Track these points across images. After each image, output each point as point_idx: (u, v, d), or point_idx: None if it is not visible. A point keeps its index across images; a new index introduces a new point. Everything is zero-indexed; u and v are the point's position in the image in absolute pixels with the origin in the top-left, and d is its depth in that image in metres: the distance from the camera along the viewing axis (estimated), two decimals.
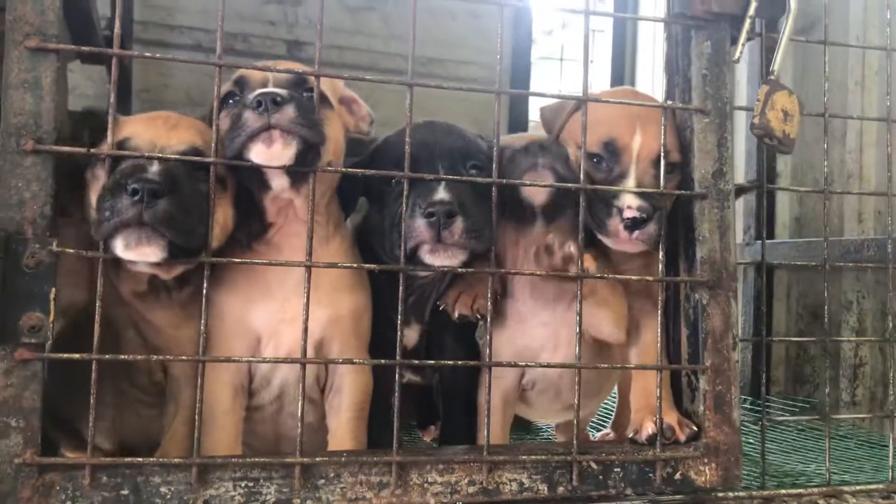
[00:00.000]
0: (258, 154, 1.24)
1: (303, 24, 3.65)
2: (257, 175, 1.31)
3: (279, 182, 1.31)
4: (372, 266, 1.35)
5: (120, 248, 1.21)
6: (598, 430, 2.31)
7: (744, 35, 1.41)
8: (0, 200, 1.15)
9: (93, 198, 1.28)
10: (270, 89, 1.26)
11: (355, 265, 1.43)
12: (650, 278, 1.41)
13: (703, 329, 1.39)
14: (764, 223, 2.73)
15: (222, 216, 1.34)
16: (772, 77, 1.43)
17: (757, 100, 1.42)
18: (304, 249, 1.27)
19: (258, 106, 1.23)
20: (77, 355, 1.17)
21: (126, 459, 1.19)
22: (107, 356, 1.18)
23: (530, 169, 1.41)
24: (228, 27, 3.48)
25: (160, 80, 3.38)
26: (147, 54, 1.27)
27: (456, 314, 1.47)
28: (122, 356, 1.28)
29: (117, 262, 1.28)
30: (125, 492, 1.18)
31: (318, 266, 1.28)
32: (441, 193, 1.34)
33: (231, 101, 1.35)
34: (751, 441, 2.02)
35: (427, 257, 1.32)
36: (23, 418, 1.15)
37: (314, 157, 1.28)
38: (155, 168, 1.24)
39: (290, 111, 1.24)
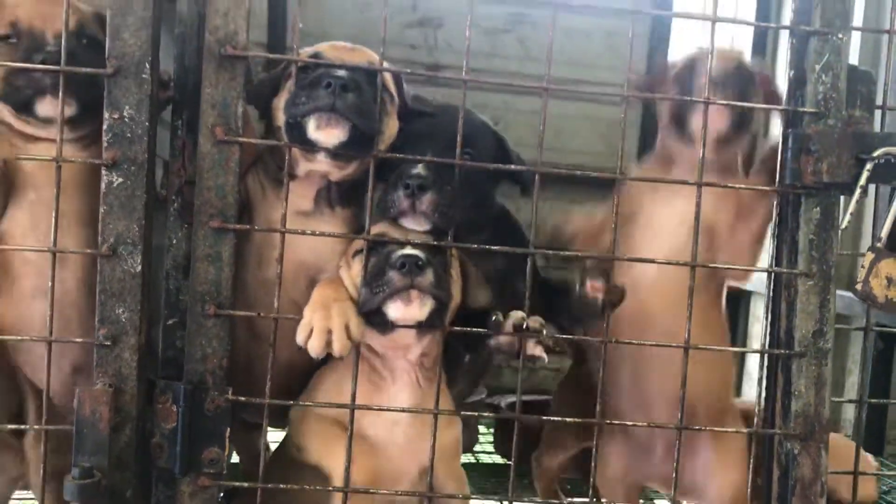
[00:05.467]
0: (396, 310, 1.43)
1: (442, 47, 3.81)
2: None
3: (406, 334, 1.50)
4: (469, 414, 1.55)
5: None
6: None
7: (853, 204, 1.48)
8: (188, 356, 1.41)
9: None
10: (413, 252, 1.44)
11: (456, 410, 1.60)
12: (745, 430, 1.53)
13: (793, 476, 1.51)
14: None
15: None
16: (878, 245, 1.49)
17: (861, 266, 1.50)
18: (412, 383, 1.55)
19: (402, 267, 1.42)
20: (247, 484, 1.43)
21: None
22: (269, 485, 1.45)
23: None
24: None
25: None
26: None
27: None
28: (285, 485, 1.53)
29: None
30: None
31: (443, 413, 1.48)
32: (419, 170, 1.56)
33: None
34: None
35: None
36: None
37: (443, 315, 1.48)
38: None
39: (430, 275, 1.43)
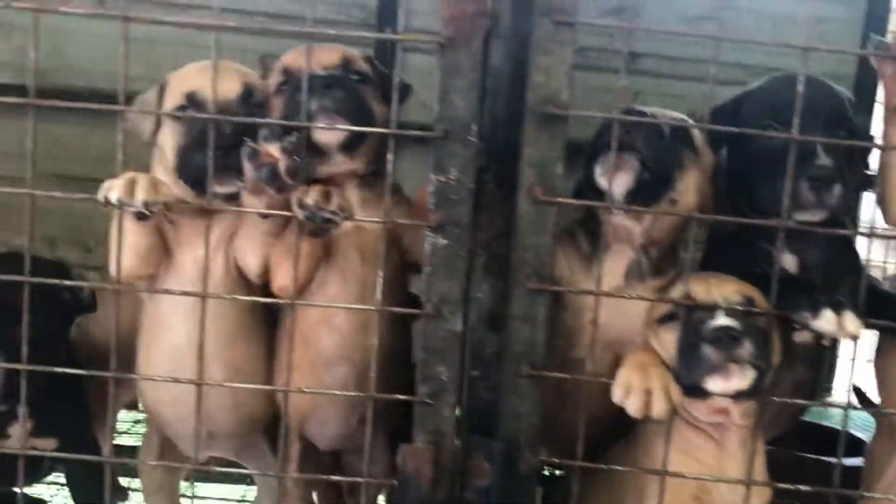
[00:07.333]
0: (715, 384, 1.41)
1: (640, 35, 3.68)
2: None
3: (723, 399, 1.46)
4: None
5: None
6: None
7: None
8: (502, 414, 1.42)
9: None
10: (727, 323, 1.40)
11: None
12: None
13: None
14: None
15: None
16: None
17: None
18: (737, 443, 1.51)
19: (717, 341, 1.39)
20: None
21: None
22: None
23: None
24: None
25: None
26: None
27: None
28: None
29: None
30: None
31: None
32: (823, 159, 1.52)
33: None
34: None
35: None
36: None
37: (764, 382, 1.44)
38: None
39: (748, 346, 1.39)
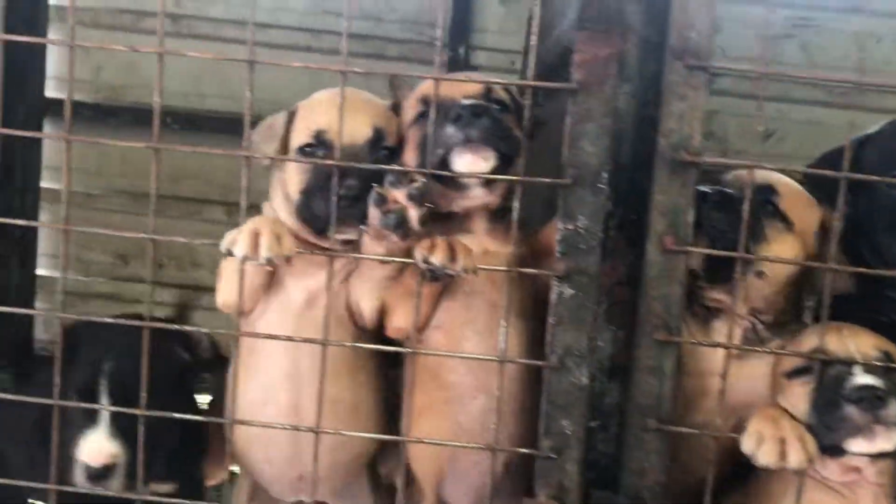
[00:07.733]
0: (858, 446, 1.34)
1: (716, 53, 3.61)
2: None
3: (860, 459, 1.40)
4: None
5: None
6: None
7: None
8: (626, 468, 1.37)
9: None
10: (870, 382, 1.33)
11: None
12: None
13: None
14: None
15: None
16: None
17: None
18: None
19: (860, 401, 1.32)
20: None
21: None
22: None
23: None
24: None
25: None
26: None
27: None
28: None
29: None
30: None
31: None
32: None
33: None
34: None
35: None
36: None
37: None
38: None
39: (893, 407, 1.33)
